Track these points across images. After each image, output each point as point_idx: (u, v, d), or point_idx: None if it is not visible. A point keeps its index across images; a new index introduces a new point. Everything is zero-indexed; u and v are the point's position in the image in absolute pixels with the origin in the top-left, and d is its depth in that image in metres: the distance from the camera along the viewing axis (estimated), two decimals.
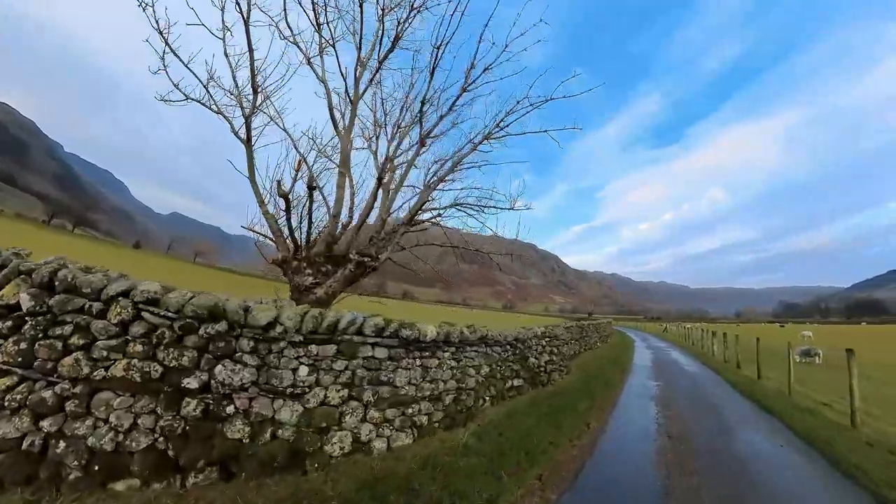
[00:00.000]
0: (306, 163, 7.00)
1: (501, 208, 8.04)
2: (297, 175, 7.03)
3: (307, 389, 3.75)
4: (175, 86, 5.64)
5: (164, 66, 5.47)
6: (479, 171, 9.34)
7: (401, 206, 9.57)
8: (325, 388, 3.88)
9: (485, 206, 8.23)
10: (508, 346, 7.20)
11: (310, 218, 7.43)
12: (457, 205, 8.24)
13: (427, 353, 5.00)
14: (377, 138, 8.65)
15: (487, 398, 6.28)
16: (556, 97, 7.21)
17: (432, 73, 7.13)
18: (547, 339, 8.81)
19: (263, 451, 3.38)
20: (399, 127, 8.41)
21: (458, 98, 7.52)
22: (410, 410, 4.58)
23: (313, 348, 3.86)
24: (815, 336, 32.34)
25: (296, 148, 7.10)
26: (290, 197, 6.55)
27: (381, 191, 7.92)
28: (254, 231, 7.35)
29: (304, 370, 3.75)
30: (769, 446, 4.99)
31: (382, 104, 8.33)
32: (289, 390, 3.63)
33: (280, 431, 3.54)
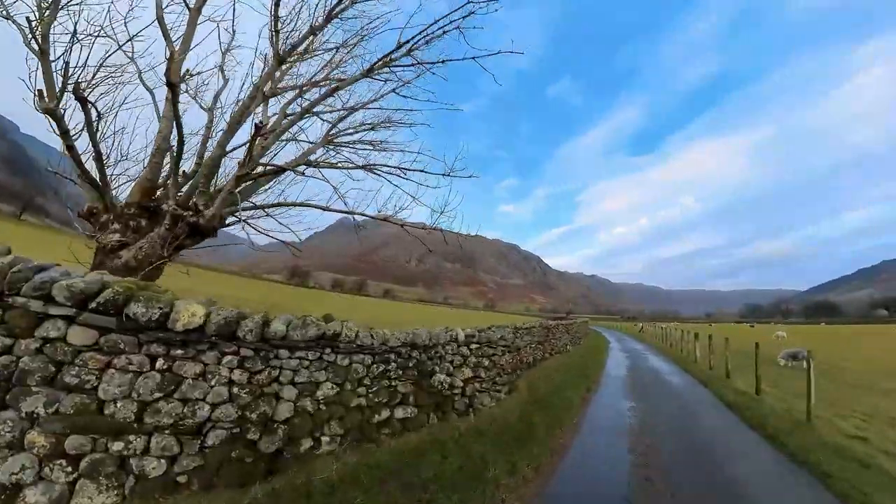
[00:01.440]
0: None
1: (432, 173, 6.36)
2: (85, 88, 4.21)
3: None
4: None
5: None
6: (410, 131, 6.98)
7: (276, 154, 6.79)
8: None
9: (407, 169, 6.60)
10: (392, 354, 4.58)
11: (95, 148, 4.56)
12: (341, 146, 5.58)
13: (181, 352, 3.04)
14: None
15: (327, 437, 3.77)
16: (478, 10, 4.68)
17: None
18: (475, 345, 6.21)
19: None
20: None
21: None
22: (118, 447, 2.71)
23: None
24: (789, 336, 31.81)
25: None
26: (89, 103, 3.80)
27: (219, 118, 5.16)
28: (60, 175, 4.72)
29: None
30: None
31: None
32: None
33: None
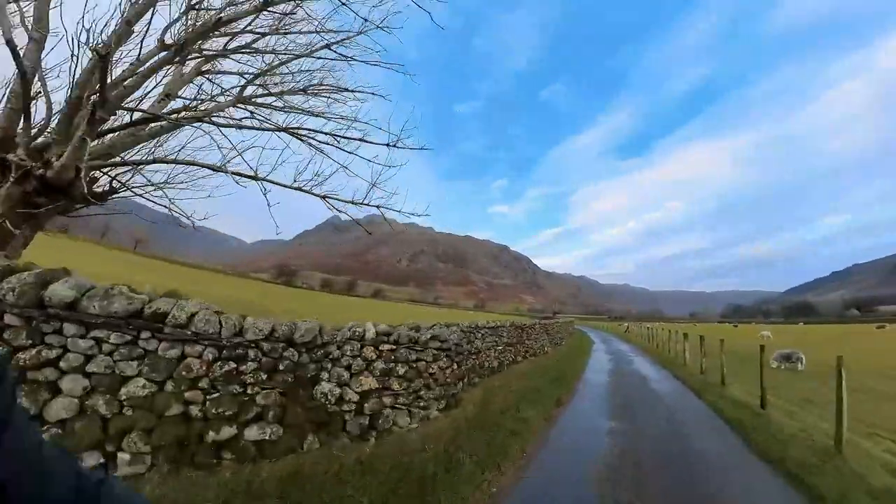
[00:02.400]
0: None
1: (372, 142, 5.26)
2: None
3: None
4: None
5: None
6: (355, 98, 5.98)
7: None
8: None
9: (340, 136, 5.41)
10: (253, 350, 3.17)
11: None
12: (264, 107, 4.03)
13: None
14: None
15: (127, 454, 3.09)
16: None
17: None
18: (388, 345, 4.68)
19: None
20: None
21: None
22: None
23: None
24: (774, 336, 31.34)
25: None
26: None
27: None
28: None
29: None
30: None
31: None
32: None
33: None
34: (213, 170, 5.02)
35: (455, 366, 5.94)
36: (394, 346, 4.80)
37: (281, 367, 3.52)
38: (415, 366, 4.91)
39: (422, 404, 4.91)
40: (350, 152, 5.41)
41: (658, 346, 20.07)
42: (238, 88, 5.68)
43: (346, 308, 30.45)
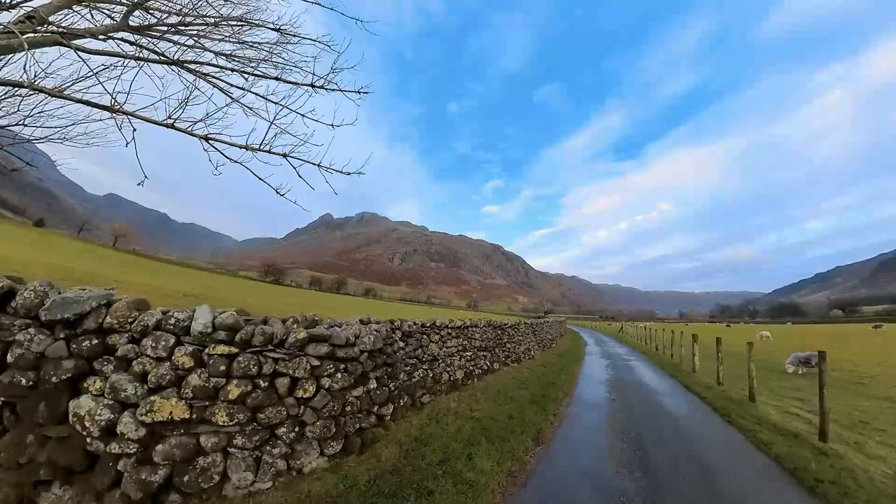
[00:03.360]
0: None
1: (290, 82, 3.72)
2: None
3: None
4: None
5: None
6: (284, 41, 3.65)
7: None
8: None
9: (242, 72, 3.80)
10: None
11: None
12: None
13: None
14: None
15: None
16: None
17: None
18: (229, 346, 2.53)
19: None
20: None
21: None
22: None
23: None
24: (774, 338, 29.96)
25: None
26: None
27: None
28: None
29: None
30: None
31: None
32: None
33: None
34: (50, 95, 3.02)
35: (372, 384, 3.83)
36: (234, 351, 2.69)
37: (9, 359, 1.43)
38: (268, 384, 2.79)
39: (281, 450, 2.80)
40: (263, 96, 3.56)
41: (658, 349, 18.27)
42: (122, 13, 3.63)
43: (314, 305, 28.00)
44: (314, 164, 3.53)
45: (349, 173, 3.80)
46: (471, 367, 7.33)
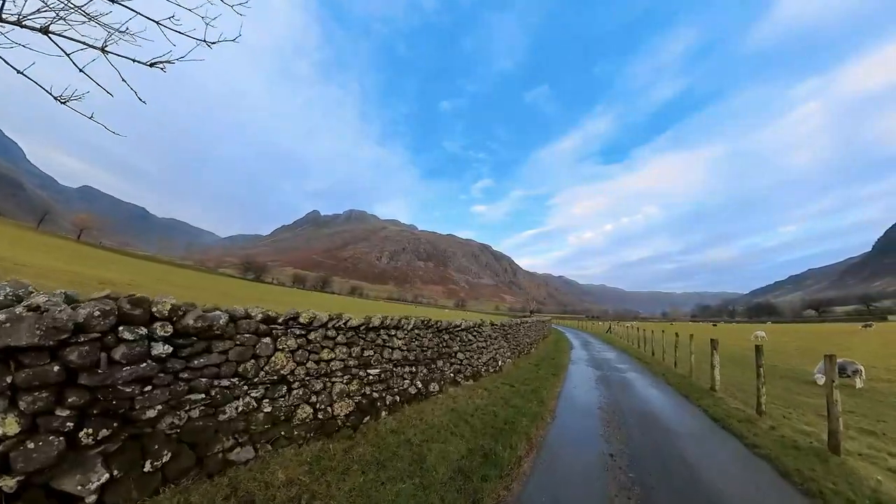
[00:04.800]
0: None
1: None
2: None
3: None
4: None
5: None
6: None
7: None
8: None
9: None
10: None
11: None
12: None
13: None
14: None
15: None
16: None
17: None
18: None
19: None
20: None
21: None
22: None
23: None
24: (768, 337, 28.50)
25: None
26: None
27: None
28: None
29: None
30: None
31: None
32: None
33: None
34: None
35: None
36: None
37: None
38: None
39: None
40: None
41: (654, 354, 16.03)
42: None
43: (261, 298, 24.81)
44: (96, 47, 1.89)
45: (151, 64, 1.99)
46: (375, 395, 4.63)
